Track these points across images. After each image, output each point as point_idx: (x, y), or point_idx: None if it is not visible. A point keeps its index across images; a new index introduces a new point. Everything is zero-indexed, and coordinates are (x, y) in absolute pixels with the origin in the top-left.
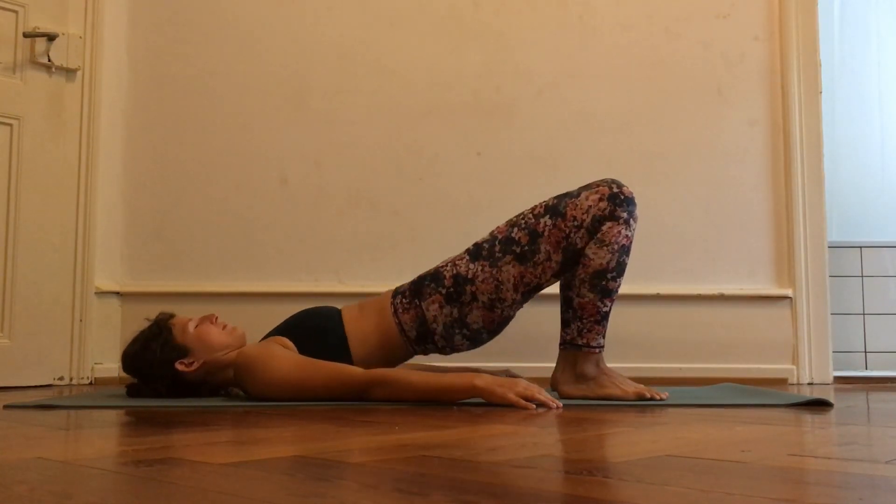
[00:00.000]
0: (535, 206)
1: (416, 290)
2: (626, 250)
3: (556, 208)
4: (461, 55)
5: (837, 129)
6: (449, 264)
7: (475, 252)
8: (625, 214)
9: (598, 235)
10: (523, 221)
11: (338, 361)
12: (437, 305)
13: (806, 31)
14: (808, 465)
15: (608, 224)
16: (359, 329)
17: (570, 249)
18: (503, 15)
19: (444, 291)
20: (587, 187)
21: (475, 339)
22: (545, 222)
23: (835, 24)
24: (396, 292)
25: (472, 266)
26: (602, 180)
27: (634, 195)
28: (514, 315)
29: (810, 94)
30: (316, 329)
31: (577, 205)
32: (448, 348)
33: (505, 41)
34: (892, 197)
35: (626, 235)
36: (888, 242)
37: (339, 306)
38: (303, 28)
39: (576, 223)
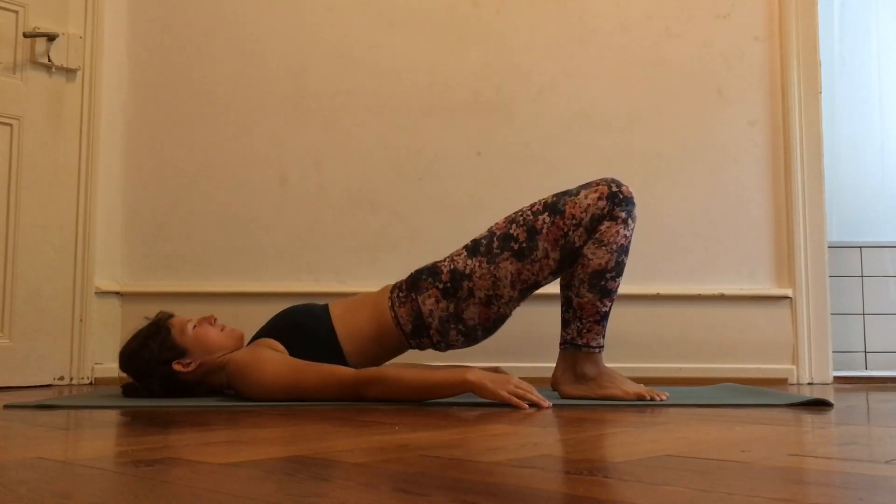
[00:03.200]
0: (534, 203)
1: (413, 283)
2: (624, 250)
3: (554, 206)
4: (461, 55)
5: (837, 129)
6: (447, 259)
7: (473, 248)
8: (623, 214)
9: (597, 235)
10: (521, 218)
11: (328, 357)
12: (433, 300)
13: (806, 31)
14: (808, 465)
15: (606, 224)
16: (349, 323)
17: (568, 247)
18: (503, 15)
19: (440, 286)
20: (586, 186)
21: (470, 336)
22: (543, 219)
23: (835, 24)
24: (395, 286)
25: (469, 262)
26: (602, 179)
27: (633, 195)
28: (510, 313)
29: (810, 94)
30: (303, 326)
31: (576, 203)
32: (443, 343)
33: (505, 41)
34: (892, 197)
35: (625, 235)
36: (888, 242)
37: (323, 303)
38: (303, 28)
39: (574, 221)
